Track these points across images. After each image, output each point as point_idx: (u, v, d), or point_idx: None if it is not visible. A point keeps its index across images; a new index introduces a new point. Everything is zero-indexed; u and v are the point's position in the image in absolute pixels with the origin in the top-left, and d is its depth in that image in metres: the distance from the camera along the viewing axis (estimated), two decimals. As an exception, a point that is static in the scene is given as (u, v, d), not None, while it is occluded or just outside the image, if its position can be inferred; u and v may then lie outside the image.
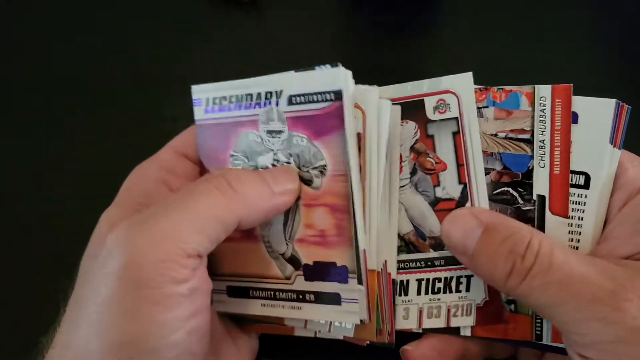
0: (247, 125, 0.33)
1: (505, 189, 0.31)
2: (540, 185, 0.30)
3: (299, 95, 0.31)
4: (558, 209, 0.30)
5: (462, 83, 0.31)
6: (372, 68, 0.43)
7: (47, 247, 0.41)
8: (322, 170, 0.31)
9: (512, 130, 0.31)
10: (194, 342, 0.27)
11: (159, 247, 0.26)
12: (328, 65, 0.30)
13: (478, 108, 0.31)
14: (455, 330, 0.32)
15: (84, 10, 0.48)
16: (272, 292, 0.33)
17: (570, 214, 0.30)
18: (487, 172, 0.31)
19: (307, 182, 0.31)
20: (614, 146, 0.30)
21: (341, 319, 0.31)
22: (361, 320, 0.31)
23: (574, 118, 0.30)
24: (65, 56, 0.47)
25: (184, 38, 0.45)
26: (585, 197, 0.30)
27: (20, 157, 0.44)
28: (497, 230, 0.28)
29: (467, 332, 0.32)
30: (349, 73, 0.30)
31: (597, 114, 0.30)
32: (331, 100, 0.30)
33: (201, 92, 0.34)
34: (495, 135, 0.31)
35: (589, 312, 0.25)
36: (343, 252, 0.31)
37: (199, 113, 0.34)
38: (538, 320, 0.31)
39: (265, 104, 0.32)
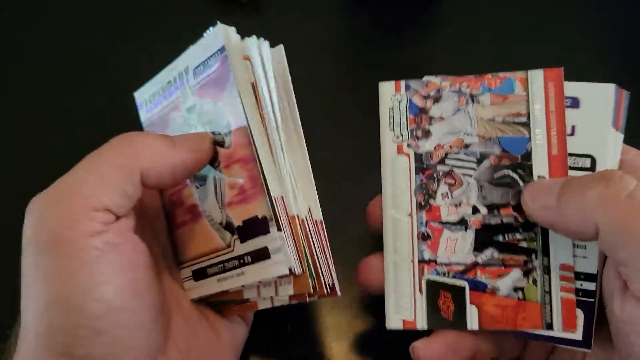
0: (174, 110, 0.34)
1: (506, 172, 0.31)
2: (540, 165, 0.31)
3: (199, 66, 0.32)
4: None
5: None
6: (372, 68, 0.44)
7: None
8: (228, 127, 0.31)
9: (508, 115, 0.31)
10: (127, 300, 0.27)
11: (61, 203, 0.27)
12: (211, 28, 0.31)
13: (473, 95, 0.32)
14: (463, 325, 0.31)
15: (84, 10, 0.50)
16: (221, 265, 0.32)
17: None
18: (486, 156, 0.32)
19: (221, 143, 0.32)
20: (617, 130, 0.30)
21: (273, 273, 0.30)
22: (291, 270, 0.29)
23: (576, 103, 0.31)
24: (65, 56, 0.48)
25: (183, 38, 0.48)
26: None
27: (20, 155, 0.45)
28: (579, 177, 0.28)
29: (474, 326, 0.31)
30: (232, 28, 0.31)
31: (598, 98, 0.30)
32: (219, 59, 0.31)
33: (141, 96, 0.37)
34: (493, 120, 0.31)
35: None
36: (260, 202, 0.30)
37: (143, 116, 0.37)
38: (547, 307, 0.30)
39: (180, 84, 0.34)
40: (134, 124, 0.43)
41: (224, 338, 0.34)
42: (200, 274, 0.34)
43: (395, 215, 0.33)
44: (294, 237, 0.29)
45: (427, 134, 0.32)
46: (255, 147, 0.30)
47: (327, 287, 0.29)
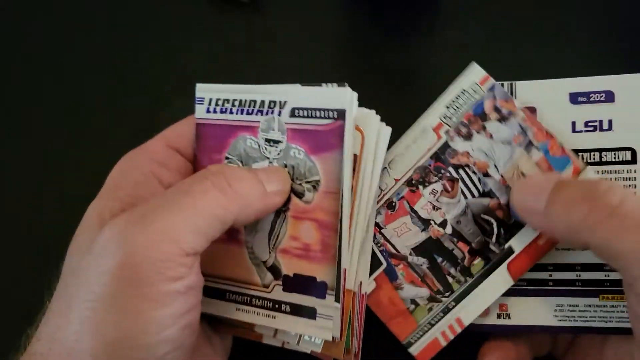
0: (246, 130, 0.33)
1: (492, 220, 0.32)
2: (518, 240, 0.31)
3: (302, 109, 0.31)
4: (513, 272, 0.32)
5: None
6: (372, 69, 0.44)
7: (31, 240, 0.41)
8: (315, 185, 0.31)
9: None
10: (187, 338, 0.27)
11: (158, 247, 0.26)
12: (335, 84, 0.31)
13: (530, 143, 0.31)
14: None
15: (84, 10, 0.47)
16: (248, 298, 0.33)
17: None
18: (491, 196, 0.32)
19: (299, 195, 0.32)
20: None
21: (314, 334, 0.31)
22: (333, 338, 0.31)
23: (611, 96, 0.31)
24: (64, 56, 0.46)
25: (183, 38, 0.45)
26: (635, 172, 0.31)
27: (20, 155, 0.44)
28: (570, 182, 0.28)
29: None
30: (355, 94, 0.31)
31: (632, 89, 0.30)
32: (334, 118, 0.31)
33: (205, 92, 0.34)
34: (524, 175, 0.31)
35: None
36: (325, 268, 0.31)
37: (200, 112, 0.34)
38: (419, 331, 0.33)
39: (267, 112, 0.32)
40: (132, 123, 0.42)
41: (217, 349, 0.35)
42: (215, 293, 0.34)
43: (387, 174, 0.34)
44: (343, 309, 0.32)
45: (468, 137, 0.32)
46: (341, 219, 0.31)
47: (355, 355, 0.33)
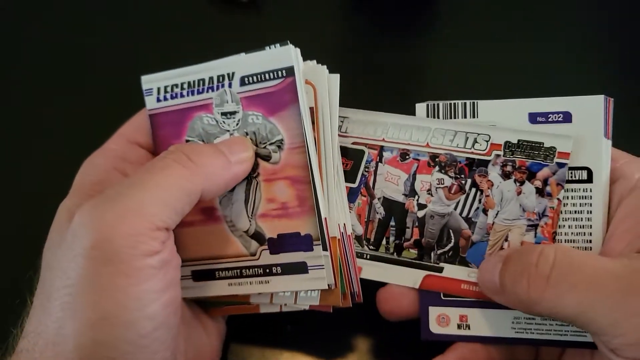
0: (201, 110, 0.33)
1: (452, 239, 0.34)
2: (450, 270, 0.34)
3: (251, 76, 0.32)
4: (425, 282, 0.34)
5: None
6: (372, 68, 0.45)
7: (10, 242, 0.41)
8: (280, 144, 0.32)
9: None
10: (170, 315, 0.28)
11: (127, 222, 0.26)
12: (277, 45, 0.32)
13: (535, 227, 0.33)
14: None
15: (83, 10, 0.47)
16: (238, 270, 0.33)
17: (579, 208, 0.32)
18: (470, 224, 0.34)
19: (266, 157, 0.33)
20: (607, 139, 0.32)
21: (309, 287, 0.32)
22: (329, 286, 0.32)
23: (568, 117, 0.32)
24: (63, 56, 0.46)
25: (183, 38, 0.45)
26: (591, 190, 0.32)
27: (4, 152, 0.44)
28: (512, 257, 0.29)
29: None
30: (298, 50, 0.32)
31: (588, 110, 0.32)
32: (283, 77, 0.32)
33: (152, 82, 0.34)
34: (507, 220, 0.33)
35: (626, 307, 0.25)
36: (306, 221, 0.32)
37: (151, 103, 0.34)
38: None
39: (218, 87, 0.33)
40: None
41: (212, 335, 0.36)
42: (203, 275, 0.34)
43: (441, 135, 0.34)
44: (331, 256, 0.33)
45: (505, 176, 0.33)
46: (312, 171, 0.32)
47: (355, 296, 0.34)
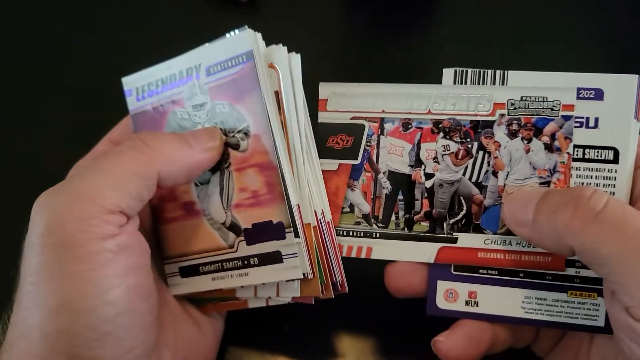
0: (175, 105, 0.34)
1: (464, 206, 0.33)
2: (465, 238, 0.33)
3: (215, 65, 0.32)
4: (440, 256, 0.33)
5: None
6: (372, 68, 0.44)
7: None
8: (247, 132, 0.32)
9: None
10: (135, 301, 0.27)
11: (77, 206, 0.26)
12: (237, 30, 0.31)
13: (548, 184, 0.32)
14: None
15: (82, 10, 0.48)
16: (219, 264, 0.33)
17: (602, 189, 0.31)
18: (481, 189, 0.33)
19: (235, 146, 0.32)
20: (637, 120, 0.31)
21: (285, 277, 0.31)
22: (305, 275, 0.31)
23: (600, 94, 0.31)
24: (62, 56, 0.47)
25: (181, 38, 0.46)
26: (615, 171, 0.31)
27: None
28: (556, 191, 0.29)
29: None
30: (259, 34, 0.31)
31: (621, 89, 0.31)
32: (244, 62, 0.31)
33: (131, 83, 0.35)
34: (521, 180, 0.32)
35: None
36: (276, 208, 0.31)
37: (131, 103, 0.35)
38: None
39: (187, 80, 0.33)
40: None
41: (206, 332, 0.35)
42: (189, 271, 0.34)
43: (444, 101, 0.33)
44: (307, 243, 0.31)
45: (512, 135, 0.32)
46: (278, 156, 0.31)
47: (337, 285, 0.32)
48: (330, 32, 0.47)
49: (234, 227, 0.32)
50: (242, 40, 0.31)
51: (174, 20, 0.48)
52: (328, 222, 0.32)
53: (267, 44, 0.32)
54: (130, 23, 0.48)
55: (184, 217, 0.34)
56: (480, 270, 0.32)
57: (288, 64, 0.31)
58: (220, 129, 0.32)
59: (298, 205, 0.31)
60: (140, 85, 0.35)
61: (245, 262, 0.32)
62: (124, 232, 0.27)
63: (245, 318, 0.37)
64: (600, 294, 0.31)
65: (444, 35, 0.46)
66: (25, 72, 0.48)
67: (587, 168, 0.31)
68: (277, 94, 0.32)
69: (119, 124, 0.36)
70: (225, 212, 0.32)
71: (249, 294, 0.33)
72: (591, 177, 0.31)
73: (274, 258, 0.31)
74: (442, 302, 0.33)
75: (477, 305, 0.32)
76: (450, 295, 0.33)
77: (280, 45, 0.32)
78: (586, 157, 0.31)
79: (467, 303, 0.32)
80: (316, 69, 0.44)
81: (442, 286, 0.33)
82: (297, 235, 0.30)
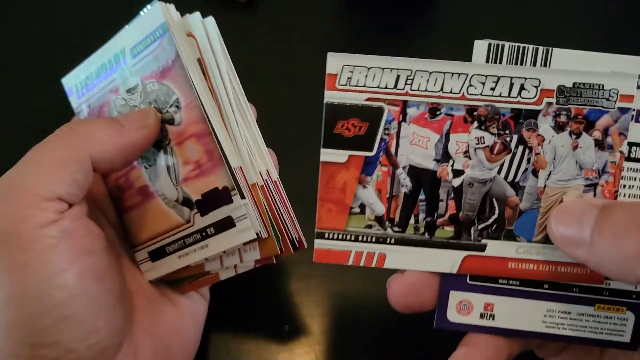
0: (112, 93, 0.34)
1: (496, 210, 0.29)
2: (495, 246, 0.29)
3: (137, 45, 0.32)
4: (464, 266, 0.29)
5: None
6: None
7: None
8: (178, 104, 0.31)
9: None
10: (89, 284, 0.28)
11: (12, 199, 0.27)
12: (149, 6, 0.31)
13: (594, 186, 0.28)
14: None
15: (80, 10, 0.49)
16: (182, 241, 0.33)
17: None
18: (517, 190, 0.29)
19: (171, 121, 0.32)
20: None
21: (241, 240, 0.31)
22: (258, 235, 0.30)
23: None
24: (62, 56, 0.48)
25: None
26: None
27: None
28: (618, 205, 0.24)
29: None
30: (171, 5, 0.31)
31: None
32: (161, 36, 0.31)
33: (70, 82, 0.36)
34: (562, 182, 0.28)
35: None
36: (220, 174, 0.31)
37: (74, 101, 0.36)
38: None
39: (117, 66, 0.33)
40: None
41: (185, 314, 0.35)
42: (157, 254, 0.34)
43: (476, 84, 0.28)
44: (256, 203, 0.31)
45: (559, 127, 0.28)
46: (210, 121, 0.30)
47: (295, 242, 0.31)
48: (327, 32, 0.47)
49: (187, 202, 0.32)
50: (154, 14, 0.31)
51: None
52: (275, 181, 0.32)
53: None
54: (126, 22, 0.48)
55: (142, 202, 0.34)
56: (500, 280, 0.29)
57: (204, 29, 0.31)
58: (155, 108, 0.32)
59: (240, 167, 0.31)
60: (79, 82, 0.35)
61: (203, 234, 0.32)
62: (65, 218, 0.28)
63: (246, 318, 0.37)
64: (630, 308, 0.28)
65: (444, 35, 0.46)
66: (24, 71, 0.48)
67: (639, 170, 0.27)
68: (200, 62, 0.31)
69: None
70: (176, 189, 0.32)
71: (217, 266, 0.33)
72: (636, 171, 0.27)
73: (227, 224, 0.31)
74: (453, 315, 0.29)
75: (493, 319, 0.29)
76: (464, 307, 0.29)
77: (197, 13, 0.31)
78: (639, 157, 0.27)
79: (482, 316, 0.29)
80: (313, 68, 0.44)
81: (455, 297, 0.29)
82: (242, 197, 0.30)
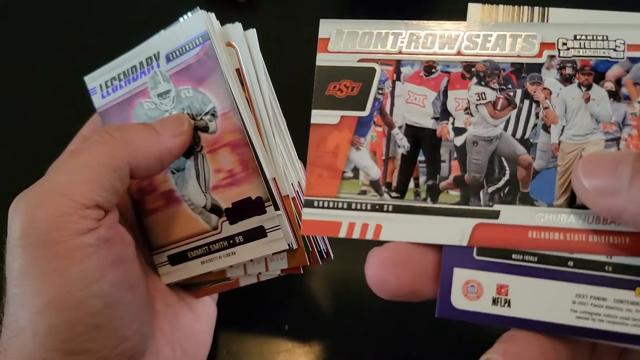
0: (140, 96, 0.34)
1: (507, 170, 0.25)
2: (510, 211, 0.25)
3: (174, 51, 0.32)
4: (475, 237, 0.24)
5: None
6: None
7: None
8: (214, 113, 0.32)
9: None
10: (123, 293, 0.28)
11: (49, 205, 0.27)
12: (190, 13, 0.31)
13: (616, 140, 0.25)
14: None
15: (79, 10, 0.48)
16: (206, 247, 0.33)
17: None
18: (529, 147, 0.26)
19: (204, 129, 0.32)
20: None
21: (271, 250, 0.31)
22: (290, 245, 0.31)
23: None
24: (61, 56, 0.47)
25: None
26: None
27: None
28: None
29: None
30: (212, 14, 0.31)
31: None
32: (201, 44, 0.31)
33: (94, 81, 0.35)
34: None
35: None
36: (253, 184, 0.31)
37: (97, 101, 0.35)
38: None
39: (148, 70, 0.33)
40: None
41: (201, 317, 0.35)
42: (178, 258, 0.34)
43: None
44: (288, 215, 0.31)
45: (566, 80, 0.25)
46: (247, 132, 0.31)
47: (323, 253, 0.32)
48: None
49: (215, 209, 0.33)
50: (196, 22, 0.31)
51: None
52: None
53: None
54: (127, 23, 0.48)
55: (166, 206, 0.34)
56: (514, 256, 0.24)
57: (245, 41, 0.31)
58: (188, 114, 0.32)
59: (274, 178, 0.31)
60: (104, 82, 0.35)
61: (231, 242, 0.32)
62: (102, 226, 0.28)
63: (246, 318, 0.37)
64: None
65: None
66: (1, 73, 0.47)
67: None
68: (239, 72, 0.32)
69: (89, 121, 0.36)
70: (205, 196, 0.33)
71: (239, 273, 0.34)
72: None
73: (258, 233, 0.31)
74: (459, 300, 0.24)
75: (509, 305, 0.23)
76: (472, 290, 0.24)
77: (238, 23, 0.31)
78: None
79: (494, 301, 0.23)
80: (313, 68, 0.44)
81: (461, 276, 0.24)
82: (277, 208, 0.31)
